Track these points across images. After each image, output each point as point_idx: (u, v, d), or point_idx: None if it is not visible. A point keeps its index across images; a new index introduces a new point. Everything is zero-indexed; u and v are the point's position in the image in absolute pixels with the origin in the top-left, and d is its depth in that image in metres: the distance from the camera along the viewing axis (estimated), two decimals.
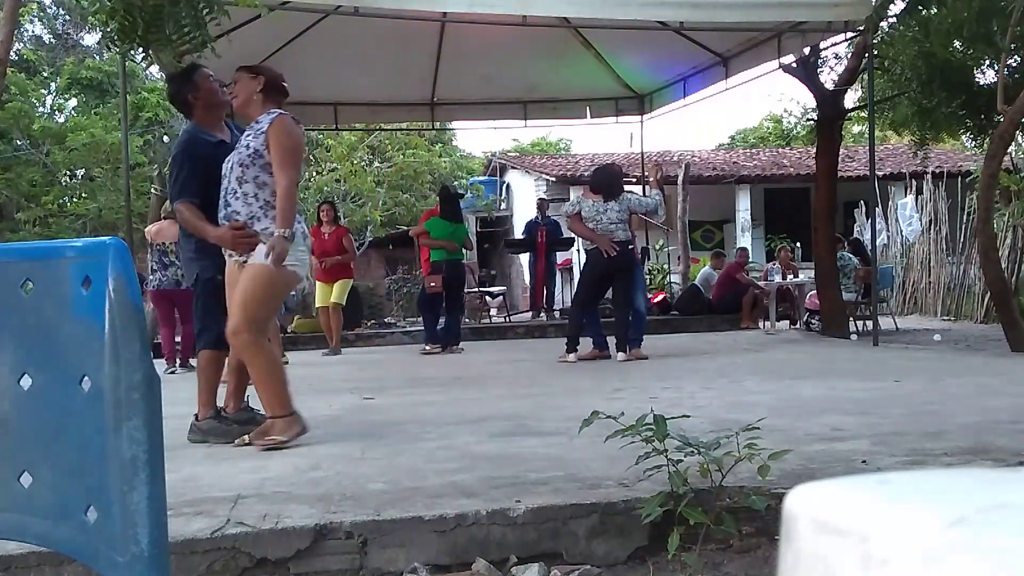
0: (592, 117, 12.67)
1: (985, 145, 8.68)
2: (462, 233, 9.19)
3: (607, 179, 7.42)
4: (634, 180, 12.35)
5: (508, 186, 20.48)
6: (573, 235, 9.45)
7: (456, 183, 19.26)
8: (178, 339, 8.06)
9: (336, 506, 2.53)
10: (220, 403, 4.08)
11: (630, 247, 7.34)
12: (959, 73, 8.22)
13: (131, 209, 8.34)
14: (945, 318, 12.71)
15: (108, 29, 5.19)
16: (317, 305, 9.41)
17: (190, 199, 3.86)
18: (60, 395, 1.23)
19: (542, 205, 13.10)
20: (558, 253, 13.06)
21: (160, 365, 7.10)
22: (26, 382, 1.27)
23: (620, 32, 9.45)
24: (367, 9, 7.17)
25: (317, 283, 9.21)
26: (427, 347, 9.05)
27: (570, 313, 8.22)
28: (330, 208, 9.47)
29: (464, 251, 9.36)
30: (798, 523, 0.44)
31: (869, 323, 9.35)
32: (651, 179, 7.83)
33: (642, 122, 12.76)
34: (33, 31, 23.82)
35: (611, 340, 7.51)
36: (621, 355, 7.35)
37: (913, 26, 8.12)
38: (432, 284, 8.97)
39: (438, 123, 14.47)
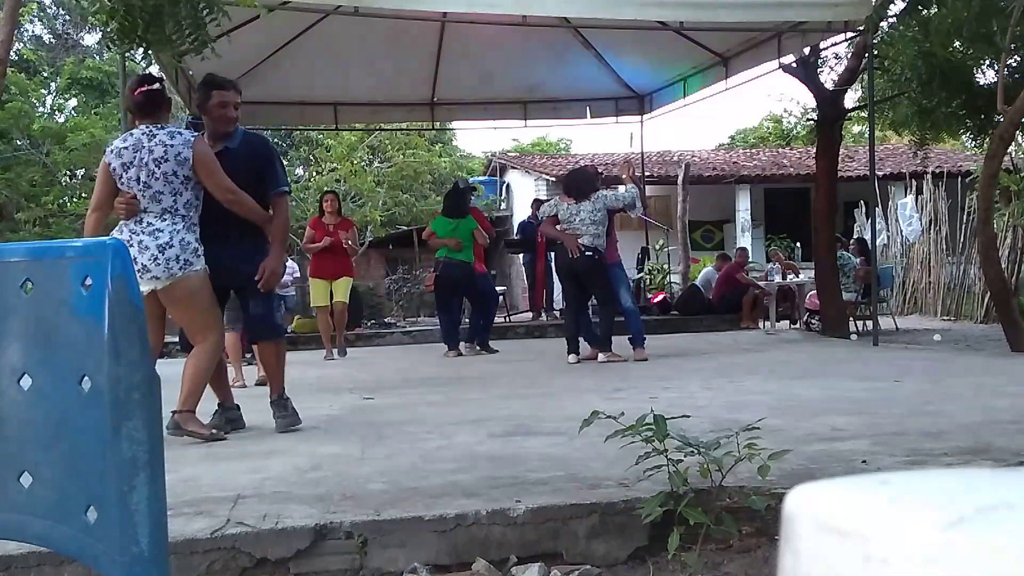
0: (592, 117, 12.67)
1: (985, 145, 8.67)
2: (465, 228, 8.64)
3: (575, 182, 7.48)
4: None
5: (508, 186, 20.45)
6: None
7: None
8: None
9: (336, 506, 2.53)
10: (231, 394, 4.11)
11: (588, 252, 7.11)
12: (959, 73, 8.19)
13: None
14: (945, 318, 12.70)
15: (108, 29, 5.19)
16: (316, 304, 8.62)
17: None
18: (60, 395, 1.23)
19: (536, 205, 13.05)
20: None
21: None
22: (26, 382, 1.27)
23: (620, 32, 9.45)
24: (367, 9, 7.17)
25: (314, 280, 8.51)
26: (449, 353, 8.56)
27: (564, 316, 8.27)
28: (334, 198, 8.77)
29: (476, 243, 8.71)
30: (798, 523, 0.44)
31: (869, 323, 9.34)
32: (624, 176, 7.88)
33: (642, 122, 12.76)
34: (33, 31, 23.82)
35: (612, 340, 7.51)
36: (601, 356, 7.31)
37: (913, 26, 8.10)
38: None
39: (438, 123, 14.46)
